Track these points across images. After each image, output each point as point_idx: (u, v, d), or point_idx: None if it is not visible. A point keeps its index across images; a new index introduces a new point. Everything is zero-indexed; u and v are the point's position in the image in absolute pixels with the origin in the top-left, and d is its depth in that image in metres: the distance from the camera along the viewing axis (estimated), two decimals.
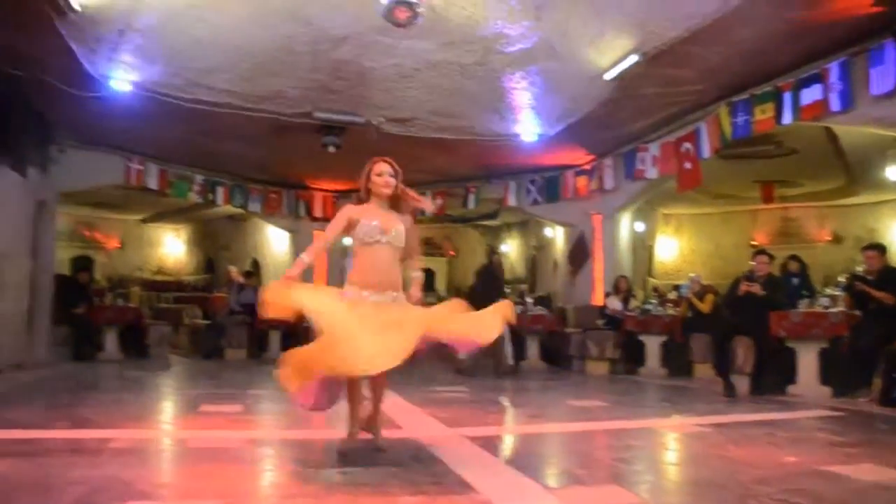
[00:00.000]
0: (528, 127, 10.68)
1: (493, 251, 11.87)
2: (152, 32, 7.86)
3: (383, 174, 4.14)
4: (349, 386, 4.12)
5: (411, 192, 4.26)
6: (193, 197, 13.62)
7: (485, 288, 10.59)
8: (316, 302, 3.95)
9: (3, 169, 8.86)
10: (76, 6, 6.85)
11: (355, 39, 8.31)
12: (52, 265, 11.17)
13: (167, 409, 6.74)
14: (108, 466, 3.68)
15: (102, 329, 11.66)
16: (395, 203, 4.19)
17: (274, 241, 17.28)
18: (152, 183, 12.51)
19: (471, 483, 3.41)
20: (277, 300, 3.90)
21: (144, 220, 19.98)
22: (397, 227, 4.09)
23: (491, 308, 4.02)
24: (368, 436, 4.25)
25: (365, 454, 4.04)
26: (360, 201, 4.19)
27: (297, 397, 3.90)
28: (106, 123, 10.44)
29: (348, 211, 4.14)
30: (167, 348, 12.15)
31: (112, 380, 8.86)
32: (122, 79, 8.74)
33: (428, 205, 4.64)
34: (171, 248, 21.11)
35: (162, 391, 8.21)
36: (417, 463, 3.91)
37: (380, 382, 4.19)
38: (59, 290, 11.08)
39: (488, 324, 3.91)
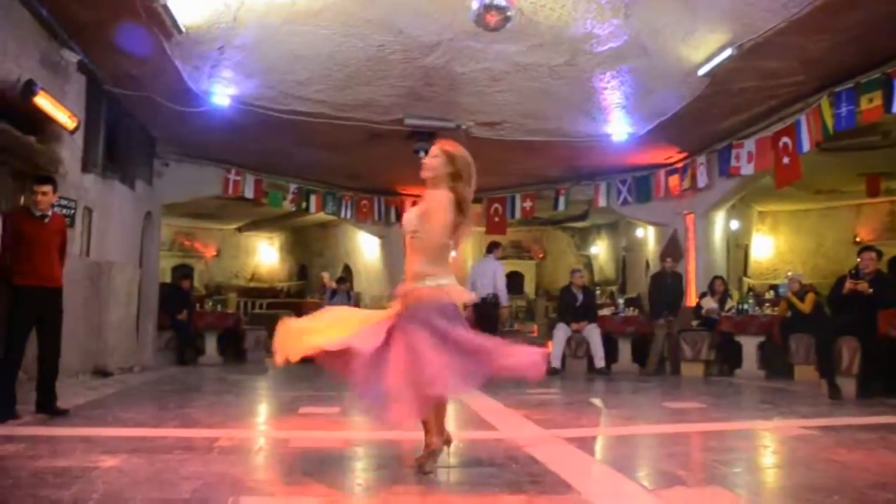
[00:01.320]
0: (618, 127, 10.55)
1: (664, 256, 11.71)
2: (250, 48, 8.17)
3: (427, 157, 3.79)
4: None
5: None
6: (287, 205, 14.05)
7: (660, 296, 10.61)
8: (325, 334, 3.66)
9: (114, 182, 9.38)
10: (182, 27, 7.19)
11: (446, 46, 8.39)
12: (157, 273, 11.75)
13: (269, 411, 6.97)
14: (218, 464, 3.84)
15: (203, 334, 12.14)
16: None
17: (365, 246, 17.62)
18: (249, 192, 12.97)
19: (570, 483, 3.41)
20: (286, 346, 3.69)
21: (240, 229, 20.70)
22: (410, 213, 3.78)
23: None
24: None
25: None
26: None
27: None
28: (206, 137, 10.91)
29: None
30: (264, 353, 12.51)
31: (214, 382, 9.21)
32: (221, 94, 9.12)
33: None
34: (265, 255, 21.77)
35: (262, 393, 8.50)
36: (515, 463, 3.92)
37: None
38: (163, 297, 11.63)
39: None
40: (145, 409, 6.28)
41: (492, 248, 10.98)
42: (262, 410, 7.05)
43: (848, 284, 7.49)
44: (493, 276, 10.23)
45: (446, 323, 3.54)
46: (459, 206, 3.67)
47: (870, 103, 8.01)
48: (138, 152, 10.44)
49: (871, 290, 7.36)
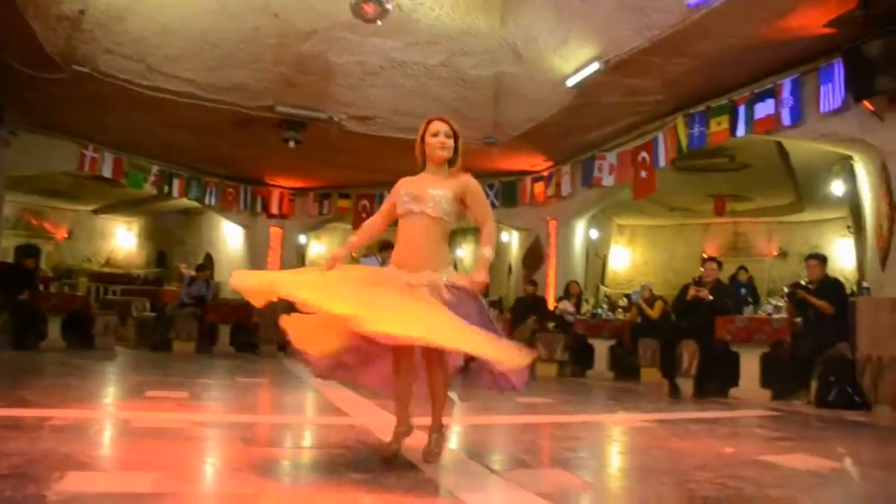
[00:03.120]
0: (488, 131, 10.76)
1: (526, 267, 11.70)
2: (115, 15, 7.77)
3: (439, 134, 3.59)
4: (394, 366, 3.55)
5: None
6: (148, 188, 13.42)
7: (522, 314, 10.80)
8: (295, 283, 3.42)
9: None
10: None
11: (322, 34, 8.34)
12: None
13: (111, 393, 6.63)
14: (47, 441, 3.61)
15: (46, 317, 11.38)
16: (453, 170, 3.61)
17: (229, 236, 17.11)
18: (107, 171, 12.29)
19: (417, 464, 3.44)
20: (247, 285, 3.43)
21: (96, 212, 19.63)
22: (437, 192, 3.51)
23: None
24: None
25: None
26: (418, 171, 3.68)
27: (309, 358, 3.48)
28: (62, 107, 10.24)
29: (399, 182, 3.67)
30: (113, 339, 11.88)
31: (54, 366, 8.66)
32: (81, 61, 8.56)
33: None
34: (123, 240, 20.76)
35: (106, 377, 8.07)
36: (364, 446, 3.94)
37: (434, 370, 3.57)
38: (2, 276, 10.80)
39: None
40: None
41: (384, 247, 10.97)
42: (105, 393, 6.67)
43: (691, 291, 8.04)
44: None
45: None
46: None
47: (718, 126, 8.64)
48: None
49: (711, 298, 7.89)
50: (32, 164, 11.50)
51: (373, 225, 3.78)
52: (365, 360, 3.60)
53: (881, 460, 4.41)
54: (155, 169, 13.22)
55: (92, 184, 14.83)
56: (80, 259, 19.53)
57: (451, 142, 3.60)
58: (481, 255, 3.51)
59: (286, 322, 3.46)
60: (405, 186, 3.59)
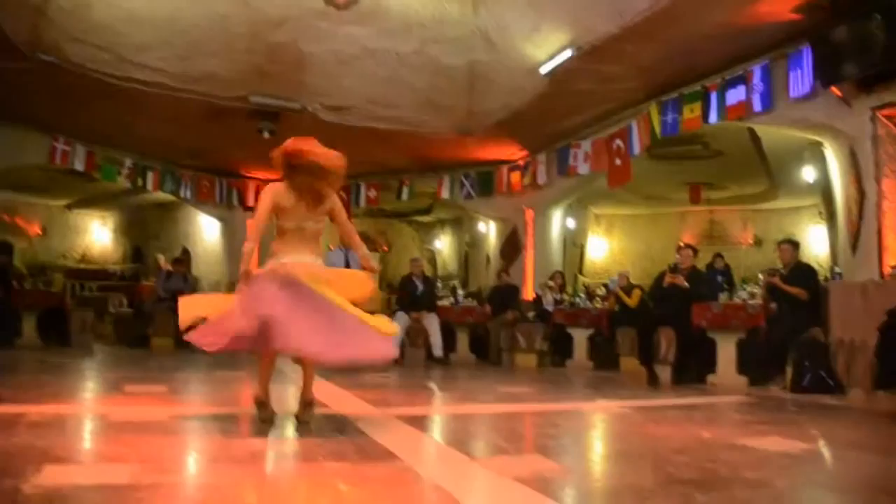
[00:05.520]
0: (462, 120, 10.76)
1: (503, 257, 11.74)
2: (81, 2, 7.63)
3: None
4: (263, 353, 4.17)
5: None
6: (122, 181, 13.26)
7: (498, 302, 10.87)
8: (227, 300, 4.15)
9: None
10: None
11: (294, 23, 8.28)
12: None
13: (89, 389, 6.56)
14: (23, 436, 3.56)
15: (21, 314, 11.22)
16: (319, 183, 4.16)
17: (205, 229, 16.98)
18: (79, 165, 12.14)
19: (395, 453, 3.44)
20: (189, 311, 4.10)
21: (69, 206, 19.37)
22: (320, 206, 4.16)
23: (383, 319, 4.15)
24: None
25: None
26: (282, 180, 4.16)
27: (196, 336, 4.00)
28: (30, 99, 10.08)
29: (273, 191, 4.14)
30: (90, 336, 11.75)
31: (30, 363, 8.56)
32: (48, 50, 8.41)
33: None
34: (98, 235, 20.50)
35: (83, 374, 7.97)
36: (342, 435, 3.93)
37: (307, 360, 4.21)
38: None
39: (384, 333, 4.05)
40: None
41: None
42: (82, 388, 6.60)
43: (667, 278, 8.10)
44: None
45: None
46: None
47: (691, 113, 8.70)
48: None
49: (686, 285, 7.95)
50: (2, 158, 11.33)
51: (259, 230, 4.16)
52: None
53: (854, 441, 4.47)
54: (128, 162, 13.07)
55: (64, 178, 14.62)
56: (54, 255, 19.27)
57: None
58: (363, 256, 4.44)
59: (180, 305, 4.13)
60: (287, 196, 4.12)
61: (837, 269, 7.91)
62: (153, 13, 7.94)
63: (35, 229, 19.20)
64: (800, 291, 7.26)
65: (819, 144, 8.58)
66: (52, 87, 9.28)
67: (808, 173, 10.80)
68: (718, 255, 11.15)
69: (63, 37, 8.26)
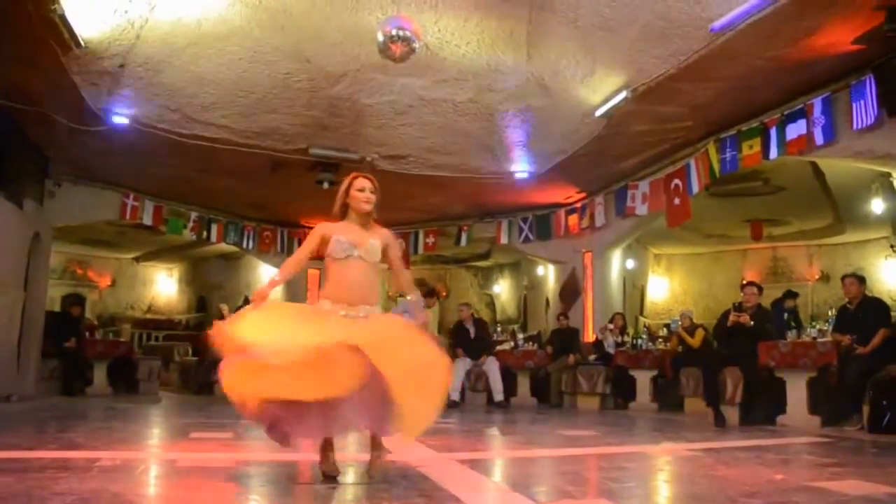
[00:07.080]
0: (520, 164, 10.84)
1: (563, 300, 11.94)
2: (153, 68, 8.01)
3: (364, 190, 4.00)
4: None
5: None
6: (188, 234, 13.67)
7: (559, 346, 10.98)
8: (261, 332, 3.64)
9: None
10: (81, 41, 6.97)
11: (352, 77, 8.48)
12: (44, 298, 11.15)
13: (156, 435, 6.71)
14: (96, 481, 3.66)
15: (92, 363, 11.59)
16: (371, 222, 4.06)
17: (266, 278, 17.24)
18: (147, 219, 12.57)
19: (460, 497, 3.42)
20: (222, 338, 3.67)
21: (137, 259, 20.00)
22: (371, 241, 3.96)
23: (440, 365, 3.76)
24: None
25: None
26: (336, 219, 4.05)
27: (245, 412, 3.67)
28: (103, 159, 10.56)
29: (322, 228, 4.01)
30: (157, 384, 12.06)
31: (101, 410, 8.81)
32: (121, 113, 8.86)
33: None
34: (164, 286, 21.08)
35: (151, 420, 8.18)
36: (406, 481, 3.92)
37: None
38: (50, 324, 11.04)
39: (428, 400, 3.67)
40: (20, 434, 5.95)
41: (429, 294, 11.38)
42: (151, 435, 6.77)
43: (732, 317, 7.92)
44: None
45: None
46: None
47: (750, 149, 8.57)
48: (28, 170, 10.00)
49: (752, 323, 7.77)
50: (77, 215, 11.82)
51: (296, 263, 4.13)
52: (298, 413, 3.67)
53: None
54: (194, 215, 13.50)
55: (133, 232, 15.17)
56: (123, 306, 19.88)
57: (374, 197, 4.02)
58: (412, 301, 4.25)
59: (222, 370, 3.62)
60: (339, 232, 3.94)
61: None
62: (219, 75, 8.24)
63: (105, 281, 19.87)
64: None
65: (888, 175, 8.35)
66: (124, 146, 9.70)
67: (877, 205, 10.50)
68: (789, 295, 10.77)
69: (136, 100, 8.67)
